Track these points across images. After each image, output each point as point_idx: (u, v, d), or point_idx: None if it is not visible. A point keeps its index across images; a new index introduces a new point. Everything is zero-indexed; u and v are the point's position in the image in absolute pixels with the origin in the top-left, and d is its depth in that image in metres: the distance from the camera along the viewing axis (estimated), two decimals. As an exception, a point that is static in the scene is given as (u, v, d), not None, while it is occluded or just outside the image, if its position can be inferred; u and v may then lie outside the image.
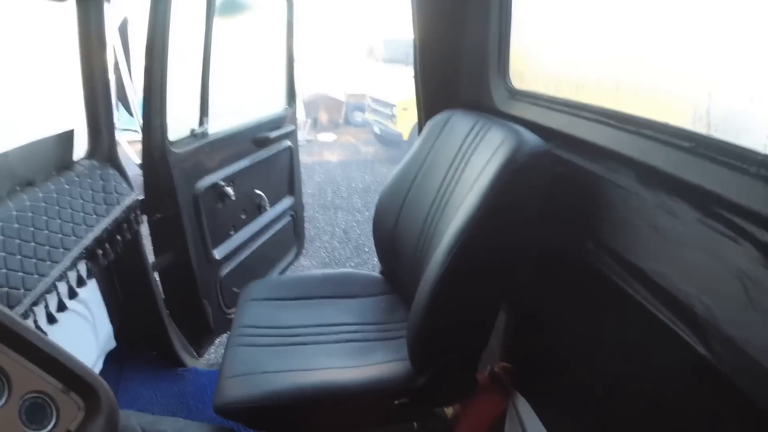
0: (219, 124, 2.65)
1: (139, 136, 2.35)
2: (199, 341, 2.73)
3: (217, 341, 2.93)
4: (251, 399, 1.55)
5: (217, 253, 2.65)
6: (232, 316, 2.34)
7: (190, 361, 2.63)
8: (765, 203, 0.99)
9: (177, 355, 2.58)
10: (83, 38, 1.99)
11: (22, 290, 1.51)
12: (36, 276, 1.58)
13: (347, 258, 4.92)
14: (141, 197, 2.23)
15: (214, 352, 2.95)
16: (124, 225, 2.04)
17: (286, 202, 3.34)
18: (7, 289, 1.47)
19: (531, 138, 1.51)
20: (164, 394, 2.43)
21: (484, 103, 2.05)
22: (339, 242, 5.30)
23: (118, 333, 2.38)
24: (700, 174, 1.15)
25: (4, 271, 1.49)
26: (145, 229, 2.34)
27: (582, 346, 1.60)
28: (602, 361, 1.50)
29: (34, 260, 1.59)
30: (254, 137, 2.91)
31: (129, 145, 5.26)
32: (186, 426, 1.65)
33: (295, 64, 3.33)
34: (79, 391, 1.18)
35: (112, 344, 2.35)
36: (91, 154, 2.11)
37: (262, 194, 2.96)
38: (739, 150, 1.09)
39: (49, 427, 1.13)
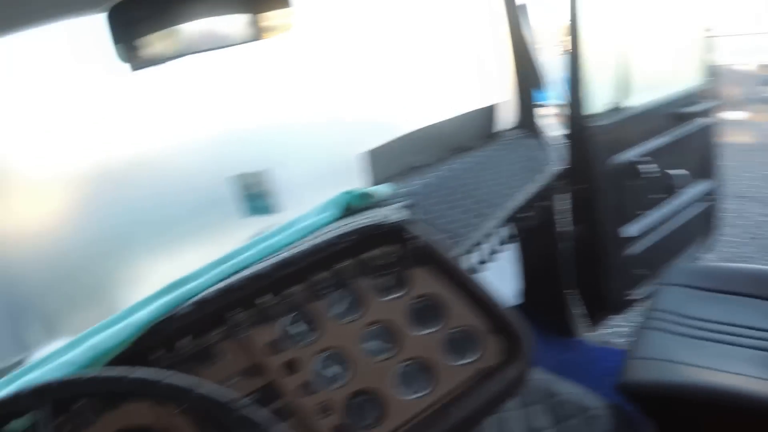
0: (634, 99, 2.58)
1: (559, 110, 2.44)
2: (595, 316, 2.73)
3: (612, 319, 2.89)
4: (658, 386, 1.51)
5: (626, 232, 2.58)
6: (632, 298, 2.34)
7: (582, 332, 2.69)
8: None
9: (572, 324, 2.66)
10: (511, 27, 2.21)
11: (459, 239, 1.70)
12: (469, 229, 1.75)
13: (750, 255, 4.34)
14: (562, 168, 2.31)
15: (607, 329, 2.92)
16: (545, 193, 2.14)
17: (702, 186, 3.05)
18: (448, 235, 1.67)
19: None
20: (555, 359, 2.46)
21: None
22: (745, 236, 4.69)
23: (521, 294, 2.56)
24: None
25: (445, 220, 1.70)
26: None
27: None
28: None
29: (468, 216, 1.77)
30: (669, 113, 2.74)
31: (552, 118, 5.35)
32: (583, 395, 1.65)
33: (706, 35, 3.03)
34: (504, 336, 1.29)
35: (515, 303, 2.53)
36: (517, 125, 2.27)
37: (678, 174, 2.75)
38: None
39: (469, 360, 1.27)
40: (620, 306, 2.63)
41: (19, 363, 1.30)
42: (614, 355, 2.47)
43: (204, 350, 1.16)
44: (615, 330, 2.92)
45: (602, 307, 2.68)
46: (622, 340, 2.69)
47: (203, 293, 1.19)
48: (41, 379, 0.85)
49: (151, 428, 1.04)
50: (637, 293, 2.58)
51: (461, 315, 1.31)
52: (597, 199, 2.39)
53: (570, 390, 1.66)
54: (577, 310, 2.67)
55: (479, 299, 1.32)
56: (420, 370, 1.25)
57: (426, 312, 1.32)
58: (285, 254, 1.27)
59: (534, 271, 2.56)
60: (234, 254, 1.32)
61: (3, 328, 1.45)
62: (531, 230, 2.33)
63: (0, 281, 1.45)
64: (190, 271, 1.27)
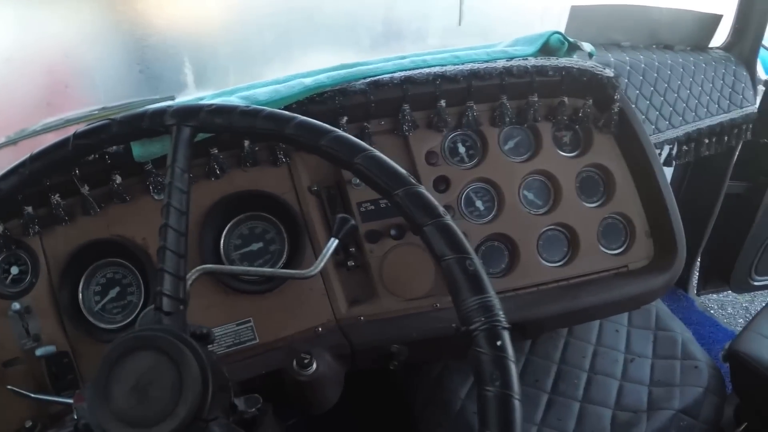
0: None
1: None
2: (708, 283, 2.44)
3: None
4: (763, 364, 1.34)
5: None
6: (758, 283, 2.14)
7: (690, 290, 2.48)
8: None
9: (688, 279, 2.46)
10: None
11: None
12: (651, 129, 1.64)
13: None
14: (754, 112, 1.95)
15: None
16: (734, 131, 1.87)
17: None
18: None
19: None
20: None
21: None
22: None
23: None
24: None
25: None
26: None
27: None
28: None
29: (655, 115, 1.65)
30: None
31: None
32: (693, 342, 1.51)
33: None
34: (659, 243, 1.22)
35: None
36: (728, 47, 1.98)
37: None
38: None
39: (616, 252, 1.22)
40: (741, 287, 2.33)
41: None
42: (714, 327, 2.37)
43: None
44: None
45: (723, 279, 2.34)
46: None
47: (378, 77, 1.12)
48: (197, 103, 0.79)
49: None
50: (762, 281, 2.27)
51: (625, 203, 1.22)
52: None
53: (683, 332, 1.52)
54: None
55: (652, 195, 1.21)
56: (564, 240, 1.20)
57: (590, 184, 1.23)
58: (481, 66, 1.16)
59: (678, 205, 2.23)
60: (415, 55, 1.23)
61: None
62: (696, 164, 2.10)
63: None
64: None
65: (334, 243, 0.88)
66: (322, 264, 0.86)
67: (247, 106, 0.76)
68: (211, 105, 0.76)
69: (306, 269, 0.87)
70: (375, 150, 0.69)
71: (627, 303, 1.25)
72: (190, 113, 0.76)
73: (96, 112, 1.25)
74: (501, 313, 0.59)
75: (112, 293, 1.09)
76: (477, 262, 0.61)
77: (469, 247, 0.62)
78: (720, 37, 1.95)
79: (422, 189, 0.65)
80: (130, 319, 1.08)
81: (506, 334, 0.58)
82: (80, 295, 1.08)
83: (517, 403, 0.55)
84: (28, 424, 1.01)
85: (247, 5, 1.33)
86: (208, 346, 0.74)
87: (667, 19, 1.81)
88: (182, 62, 1.29)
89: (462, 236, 0.63)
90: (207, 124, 0.76)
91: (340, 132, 0.71)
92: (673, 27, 1.83)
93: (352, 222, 0.90)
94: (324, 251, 0.87)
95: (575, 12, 1.63)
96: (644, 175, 1.22)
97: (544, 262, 1.17)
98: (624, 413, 1.31)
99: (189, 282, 0.75)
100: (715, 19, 1.88)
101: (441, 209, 0.64)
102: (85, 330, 1.05)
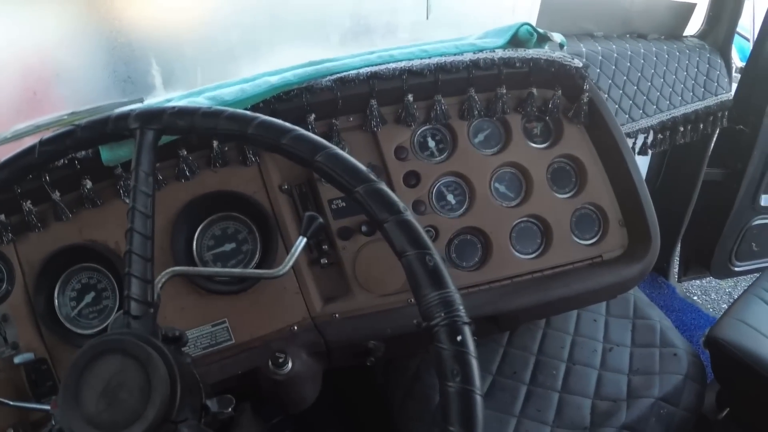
0: None
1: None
2: (689, 270, 2.46)
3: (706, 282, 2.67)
4: (742, 350, 1.37)
5: (765, 200, 2.21)
6: (739, 268, 2.15)
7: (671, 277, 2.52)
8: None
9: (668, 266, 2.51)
10: None
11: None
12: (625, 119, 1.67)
13: None
14: (729, 99, 1.98)
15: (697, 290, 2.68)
16: (709, 119, 1.89)
17: None
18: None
19: None
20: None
21: None
22: None
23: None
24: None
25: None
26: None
27: None
28: None
29: (629, 104, 1.68)
30: None
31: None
32: (672, 330, 1.53)
33: None
34: (634, 233, 1.22)
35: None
36: (703, 35, 2.00)
37: None
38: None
39: (590, 242, 1.22)
40: (722, 273, 2.34)
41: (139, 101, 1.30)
42: (696, 313, 2.41)
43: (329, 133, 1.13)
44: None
45: (703, 266, 2.37)
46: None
47: (344, 73, 1.12)
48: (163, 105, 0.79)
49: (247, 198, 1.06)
50: (742, 266, 2.29)
51: (598, 193, 1.23)
52: (754, 148, 2.01)
53: (661, 320, 1.53)
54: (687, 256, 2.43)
55: (624, 184, 1.22)
56: (537, 232, 1.20)
57: (561, 175, 1.24)
58: (448, 59, 1.16)
59: (656, 193, 2.22)
60: (384, 50, 1.23)
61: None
62: (672, 152, 2.14)
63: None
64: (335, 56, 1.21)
65: (302, 242, 0.88)
66: (290, 263, 0.86)
67: (209, 108, 0.76)
68: (174, 107, 0.76)
69: (277, 268, 0.88)
70: (335, 147, 0.69)
71: (603, 293, 1.25)
72: (153, 116, 0.76)
73: (66, 117, 1.24)
74: (461, 308, 0.59)
75: (88, 298, 1.09)
76: (437, 257, 0.62)
77: (430, 243, 0.62)
78: (694, 25, 1.96)
79: (382, 185, 0.66)
80: (106, 323, 1.08)
81: (467, 329, 0.58)
82: (56, 301, 1.08)
83: (478, 398, 0.56)
84: (10, 432, 1.02)
85: (211, 4, 1.32)
86: (183, 348, 0.74)
87: (640, 8, 1.83)
88: (150, 64, 1.28)
89: (422, 231, 0.63)
90: (170, 127, 0.76)
91: (301, 130, 0.71)
92: (647, 16, 1.85)
93: (320, 220, 0.90)
94: (292, 250, 0.87)
95: (547, 3, 1.63)
96: (616, 164, 1.22)
97: (517, 254, 1.18)
98: (604, 402, 1.32)
99: (159, 285, 0.75)
100: (689, 8, 1.90)
101: (401, 205, 0.64)
102: (62, 336, 1.05)
